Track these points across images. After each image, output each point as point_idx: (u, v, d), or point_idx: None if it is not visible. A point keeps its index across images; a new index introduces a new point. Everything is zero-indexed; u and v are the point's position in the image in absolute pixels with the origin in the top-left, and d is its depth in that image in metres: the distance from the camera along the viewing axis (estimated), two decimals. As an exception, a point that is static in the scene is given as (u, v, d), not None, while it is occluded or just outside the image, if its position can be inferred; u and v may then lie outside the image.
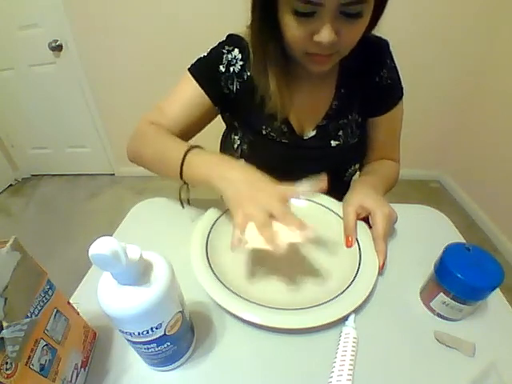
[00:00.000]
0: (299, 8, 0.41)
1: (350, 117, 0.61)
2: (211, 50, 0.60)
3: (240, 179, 0.44)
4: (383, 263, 0.46)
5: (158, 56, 1.77)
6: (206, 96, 0.58)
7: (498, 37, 1.54)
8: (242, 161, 0.50)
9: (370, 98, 0.61)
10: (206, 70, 0.59)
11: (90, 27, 1.71)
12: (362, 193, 0.53)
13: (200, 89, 0.58)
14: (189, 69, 0.60)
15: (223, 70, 0.58)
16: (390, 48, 0.60)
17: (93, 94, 1.96)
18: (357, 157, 0.68)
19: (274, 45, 0.51)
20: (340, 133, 0.61)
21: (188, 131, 0.61)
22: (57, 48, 1.76)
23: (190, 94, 0.59)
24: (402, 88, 0.63)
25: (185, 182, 0.52)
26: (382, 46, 0.60)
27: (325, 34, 0.42)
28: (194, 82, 0.58)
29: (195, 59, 0.60)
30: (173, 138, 0.55)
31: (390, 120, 0.65)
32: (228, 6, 1.53)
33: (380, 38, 0.59)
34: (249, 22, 0.52)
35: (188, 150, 0.50)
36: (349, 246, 0.49)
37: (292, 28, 0.44)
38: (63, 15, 1.67)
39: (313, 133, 0.62)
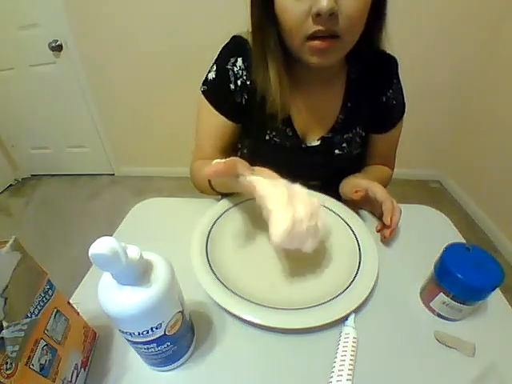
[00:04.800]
0: None
1: (354, 131, 0.62)
2: (217, 66, 0.59)
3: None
4: (391, 230, 0.49)
5: (157, 56, 1.77)
6: (228, 121, 0.61)
7: (499, 37, 1.54)
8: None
9: (374, 116, 0.62)
10: (219, 94, 0.60)
11: (90, 27, 1.71)
12: (351, 178, 0.61)
13: (221, 116, 0.60)
14: (204, 94, 0.61)
15: (233, 87, 0.58)
16: (399, 67, 0.60)
17: (93, 94, 1.96)
18: (359, 164, 0.69)
19: (274, 36, 0.50)
20: (344, 144, 0.62)
21: (225, 153, 0.64)
22: (57, 48, 1.76)
23: (215, 126, 0.62)
24: (404, 106, 0.64)
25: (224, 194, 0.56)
26: (390, 64, 0.60)
27: (323, 1, 0.39)
28: (215, 111, 0.60)
29: (204, 78, 0.61)
30: (202, 162, 0.59)
31: (389, 136, 0.66)
32: (229, 6, 1.53)
33: (389, 56, 0.59)
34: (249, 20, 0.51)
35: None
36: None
37: (289, 8, 0.43)
38: (63, 15, 1.67)
39: (317, 142, 0.62)
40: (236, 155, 0.70)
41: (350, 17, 0.43)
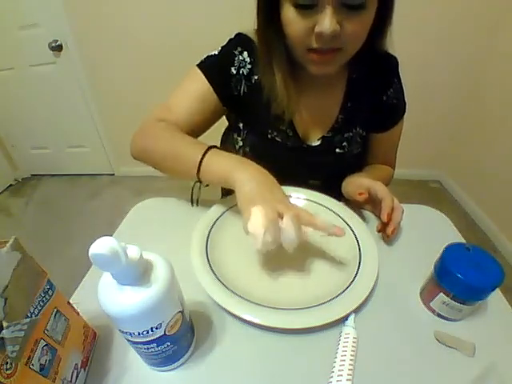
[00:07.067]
0: (300, 0, 0.42)
1: (354, 130, 0.62)
2: (222, 48, 0.58)
3: (260, 179, 0.44)
4: (392, 227, 0.49)
5: (157, 56, 1.77)
6: (215, 94, 0.57)
7: (499, 37, 1.54)
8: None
9: (375, 115, 0.62)
10: (217, 70, 0.57)
11: (90, 27, 1.71)
12: (354, 177, 0.59)
13: (210, 86, 0.56)
14: (198, 65, 0.58)
15: (234, 72, 0.57)
16: (399, 67, 0.61)
17: (93, 94, 1.96)
18: (360, 163, 0.69)
19: (279, 44, 0.51)
20: (344, 143, 0.62)
21: (195, 129, 0.59)
22: (57, 48, 1.76)
23: (199, 91, 0.57)
24: (405, 105, 0.64)
25: (198, 181, 0.51)
26: (391, 64, 0.60)
27: (326, 23, 0.41)
28: (204, 78, 0.56)
29: (204, 56, 0.59)
30: (188, 136, 0.54)
31: (390, 135, 0.66)
32: (230, 6, 1.53)
33: (390, 55, 0.59)
34: (255, 23, 0.52)
35: (208, 149, 0.49)
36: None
37: (293, 22, 0.44)
38: (63, 15, 1.67)
39: (318, 142, 0.62)
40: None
41: (352, 35, 0.44)
